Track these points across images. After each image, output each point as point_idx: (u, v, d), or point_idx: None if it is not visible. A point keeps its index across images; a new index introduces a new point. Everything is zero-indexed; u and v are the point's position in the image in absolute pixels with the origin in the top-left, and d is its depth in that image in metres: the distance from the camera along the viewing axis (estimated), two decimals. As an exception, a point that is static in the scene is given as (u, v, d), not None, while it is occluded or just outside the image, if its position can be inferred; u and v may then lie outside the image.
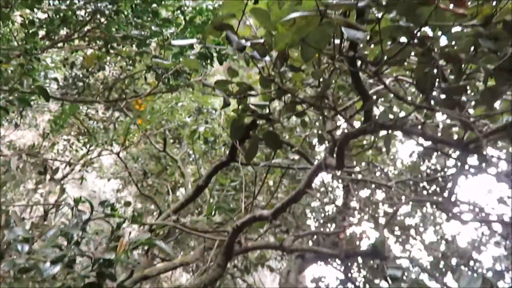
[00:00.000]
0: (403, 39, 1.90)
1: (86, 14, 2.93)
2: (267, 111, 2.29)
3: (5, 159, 3.41)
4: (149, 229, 3.47)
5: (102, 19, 2.90)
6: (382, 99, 3.26)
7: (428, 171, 5.01)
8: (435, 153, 3.80)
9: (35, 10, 3.07)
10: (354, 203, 6.19)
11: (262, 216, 3.09)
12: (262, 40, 1.62)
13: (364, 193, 6.48)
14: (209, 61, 2.86)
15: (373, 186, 5.74)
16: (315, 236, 5.85)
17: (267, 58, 1.80)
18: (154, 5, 2.77)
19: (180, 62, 2.72)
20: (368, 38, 2.02)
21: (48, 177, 3.58)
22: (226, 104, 1.92)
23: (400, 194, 5.05)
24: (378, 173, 5.78)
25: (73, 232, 1.48)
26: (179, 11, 3.00)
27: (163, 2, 3.04)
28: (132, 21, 2.85)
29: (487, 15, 1.66)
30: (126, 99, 3.62)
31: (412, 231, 6.27)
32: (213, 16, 2.96)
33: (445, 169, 4.74)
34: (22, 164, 3.49)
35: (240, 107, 2.18)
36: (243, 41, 1.68)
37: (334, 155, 2.51)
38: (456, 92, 1.75)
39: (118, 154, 5.26)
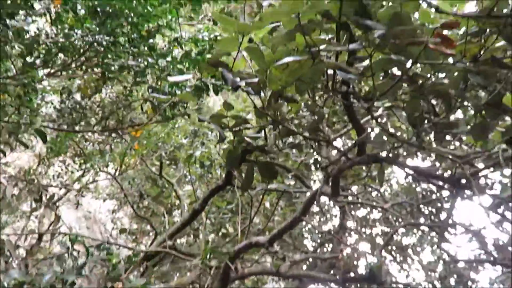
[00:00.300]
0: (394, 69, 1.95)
1: (84, 43, 2.97)
2: (263, 135, 2.31)
3: (1, 185, 3.40)
4: (144, 255, 3.44)
5: (100, 48, 2.94)
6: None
7: (424, 192, 5.03)
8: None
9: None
10: (350, 223, 6.17)
11: (259, 243, 3.09)
12: (256, 80, 1.65)
13: (361, 212, 6.47)
14: (204, 91, 2.91)
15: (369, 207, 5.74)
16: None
17: (262, 94, 1.84)
18: (151, 40, 2.83)
19: (176, 95, 2.76)
20: (361, 71, 2.06)
21: (43, 203, 3.55)
22: (221, 139, 1.94)
23: (397, 215, 5.06)
24: (374, 193, 5.79)
25: (68, 278, 1.48)
26: (176, 43, 3.06)
27: (159, 31, 3.10)
28: (129, 50, 2.90)
29: (475, 54, 1.71)
30: (122, 128, 3.65)
31: (410, 251, 6.25)
32: (208, 46, 3.02)
33: (441, 191, 4.76)
34: (17, 191, 3.47)
35: (235, 139, 2.21)
36: (238, 79, 1.71)
37: (330, 184, 2.53)
38: (447, 127, 1.78)
39: (114, 177, 5.25)
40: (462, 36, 1.89)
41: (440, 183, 1.85)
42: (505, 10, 1.81)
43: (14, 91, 2.58)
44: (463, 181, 1.71)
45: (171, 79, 2.34)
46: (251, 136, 2.15)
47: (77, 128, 3.67)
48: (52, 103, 5.13)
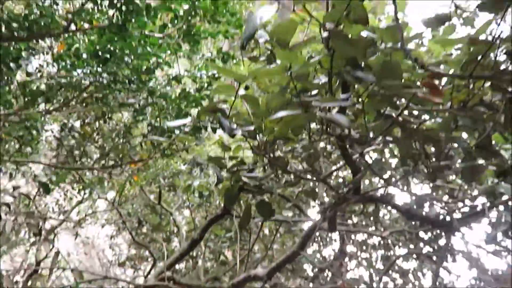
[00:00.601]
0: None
1: (85, 80, 3.05)
2: (260, 173, 2.36)
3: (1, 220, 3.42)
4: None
5: (100, 85, 3.02)
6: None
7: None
8: (428, 203, 3.86)
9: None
10: (350, 247, 6.15)
11: (257, 276, 3.10)
12: (252, 127, 1.71)
13: (360, 236, 6.45)
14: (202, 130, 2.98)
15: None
16: (311, 284, 5.78)
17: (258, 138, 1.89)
18: (151, 84, 2.91)
19: (175, 133, 2.82)
20: (355, 110, 2.12)
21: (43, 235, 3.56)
22: (219, 181, 1.98)
23: (396, 240, 5.05)
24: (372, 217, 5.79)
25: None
26: (174, 80, 3.14)
27: (159, 66, 3.18)
28: (129, 87, 2.98)
29: (463, 100, 1.77)
30: (122, 165, 3.70)
31: (410, 276, 6.20)
32: (206, 83, 3.10)
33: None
34: (17, 225, 3.49)
35: (233, 178, 2.25)
36: (234, 126, 1.77)
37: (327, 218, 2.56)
38: (438, 170, 1.83)
39: (114, 206, 5.27)
40: (451, 80, 1.96)
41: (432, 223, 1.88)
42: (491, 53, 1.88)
43: (16, 130, 2.63)
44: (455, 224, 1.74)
45: (170, 124, 2.40)
46: (248, 176, 2.19)
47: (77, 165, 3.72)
48: (52, 131, 5.18)
